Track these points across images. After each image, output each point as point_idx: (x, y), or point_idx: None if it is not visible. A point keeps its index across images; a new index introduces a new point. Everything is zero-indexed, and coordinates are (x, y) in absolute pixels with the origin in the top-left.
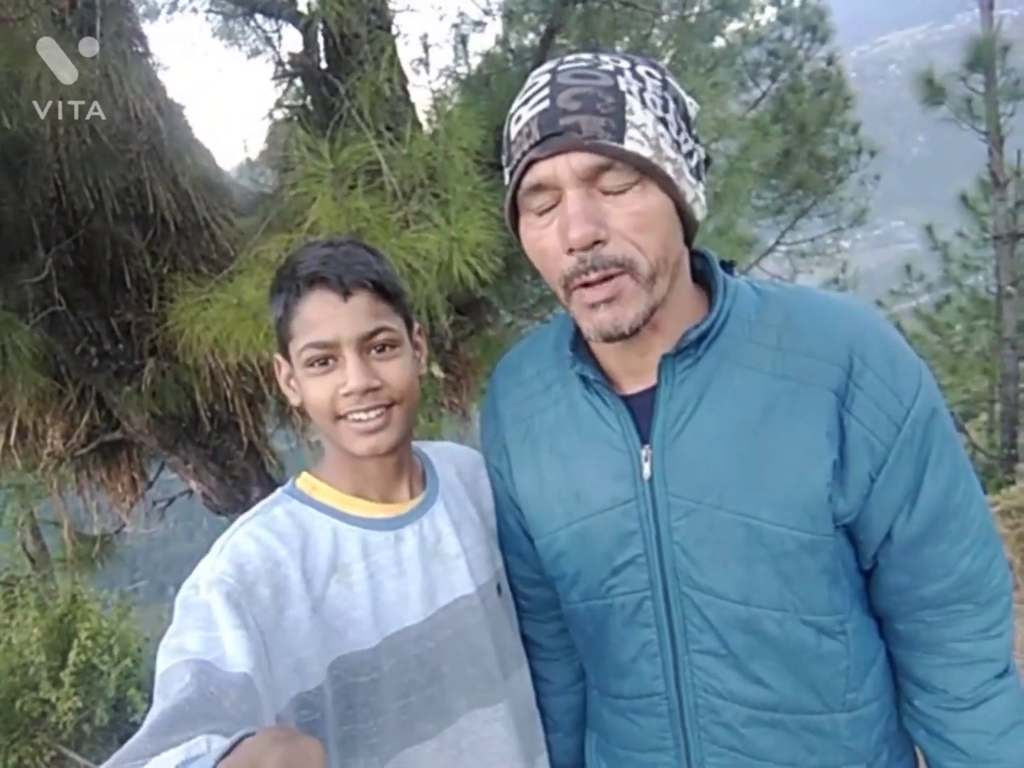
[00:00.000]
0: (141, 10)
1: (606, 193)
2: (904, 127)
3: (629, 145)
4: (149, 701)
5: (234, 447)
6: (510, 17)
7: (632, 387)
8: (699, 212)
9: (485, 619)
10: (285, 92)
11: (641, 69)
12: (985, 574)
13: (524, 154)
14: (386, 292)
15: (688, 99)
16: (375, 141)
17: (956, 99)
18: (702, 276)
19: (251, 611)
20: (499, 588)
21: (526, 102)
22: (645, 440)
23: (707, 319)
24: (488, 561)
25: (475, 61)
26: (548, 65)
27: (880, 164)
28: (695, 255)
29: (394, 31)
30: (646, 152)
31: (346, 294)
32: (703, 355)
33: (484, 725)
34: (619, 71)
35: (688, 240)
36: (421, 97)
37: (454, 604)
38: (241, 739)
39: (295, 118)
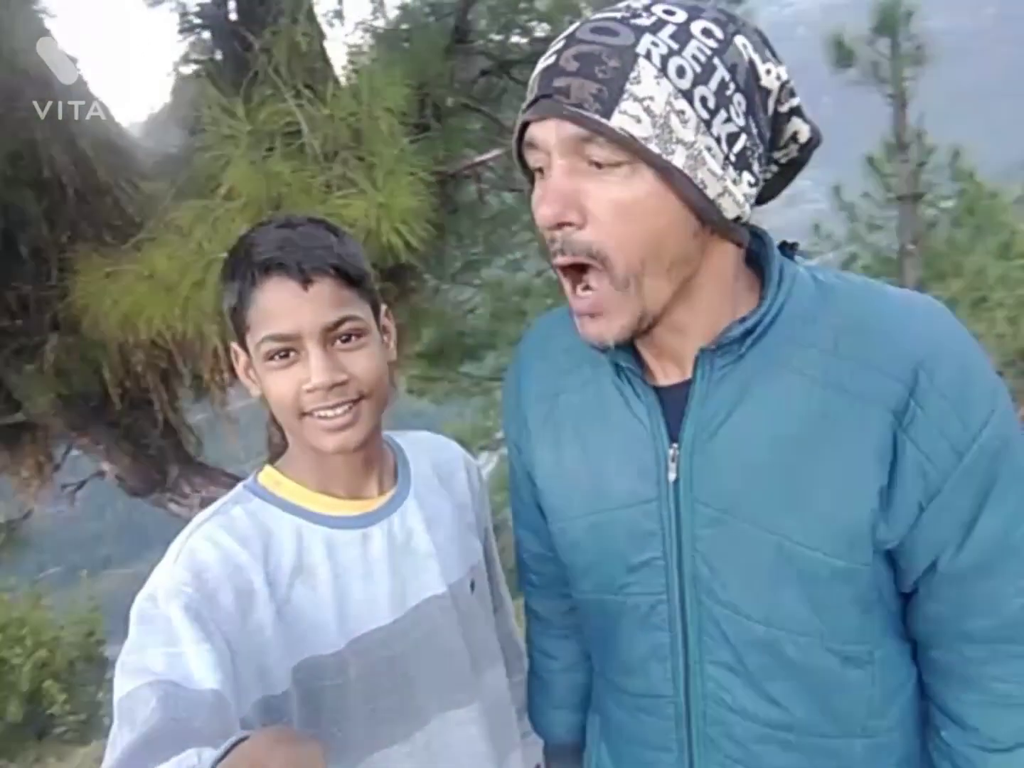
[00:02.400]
0: None
1: (592, 171)
2: (811, 89)
3: (616, 120)
4: (69, 692)
5: (148, 425)
6: None
7: (667, 378)
8: (731, 208)
9: (457, 619)
10: (193, 46)
11: (697, 26)
12: None
13: (522, 112)
14: (350, 277)
15: (769, 67)
16: (294, 101)
17: (864, 62)
18: (757, 260)
19: (213, 619)
20: (472, 584)
21: (548, 53)
22: (674, 438)
23: (755, 313)
24: (462, 558)
25: (393, 15)
26: (584, 19)
27: None
28: (751, 235)
29: None
30: (640, 131)
31: (307, 282)
32: (746, 353)
33: (457, 727)
34: (657, 26)
35: (724, 234)
36: (337, 53)
37: (424, 604)
38: (236, 743)
39: (204, 74)
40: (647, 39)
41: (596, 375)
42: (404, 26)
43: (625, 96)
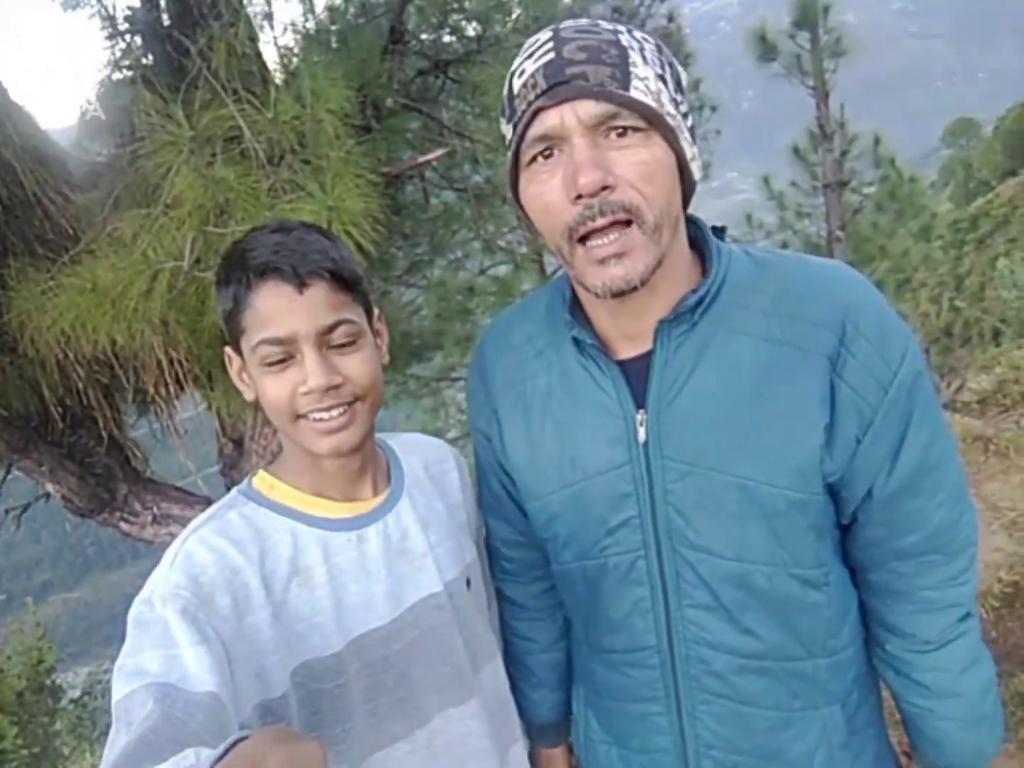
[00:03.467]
0: None
1: (612, 142)
2: (734, 82)
3: (635, 94)
4: (19, 725)
5: (92, 443)
6: None
7: (627, 352)
8: (696, 172)
9: (454, 616)
10: (124, 52)
11: (637, 35)
12: (955, 526)
13: (530, 104)
14: (345, 281)
15: (679, 67)
16: (235, 106)
17: (787, 55)
18: (695, 242)
19: (210, 622)
20: (468, 582)
21: (529, 56)
22: (640, 405)
23: (703, 284)
24: (456, 556)
25: (322, 16)
26: (550, 27)
27: (715, 119)
28: (688, 222)
29: None
30: (650, 102)
31: (302, 286)
32: (699, 321)
33: (458, 723)
34: (618, 31)
35: (685, 202)
36: (268, 55)
37: (421, 603)
38: (235, 742)
39: (138, 80)
40: (623, 36)
41: (560, 356)
42: (334, 27)
43: (632, 76)
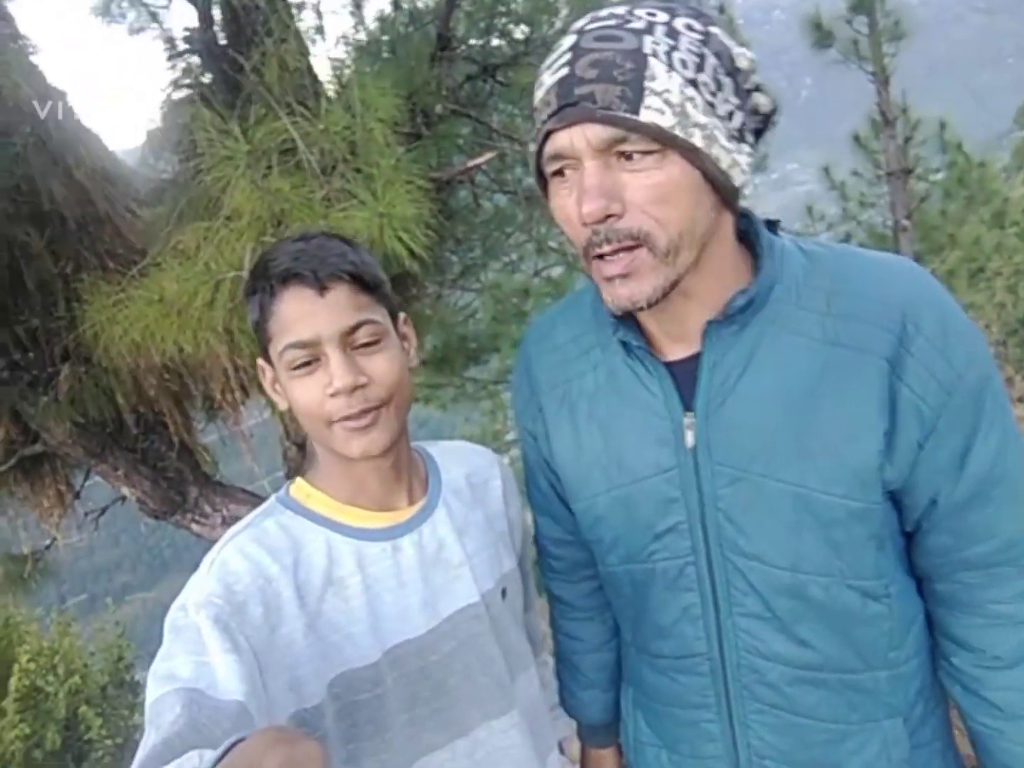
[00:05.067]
0: None
1: (624, 164)
2: (792, 70)
3: (646, 116)
4: (103, 717)
5: (164, 448)
6: None
7: (675, 353)
8: (739, 176)
9: (490, 626)
10: (184, 71)
11: (680, 22)
12: None
13: (543, 123)
14: (365, 283)
15: (740, 51)
16: (288, 118)
17: (843, 41)
18: (746, 236)
19: (242, 632)
20: (504, 592)
21: (550, 67)
22: (688, 408)
23: (754, 284)
24: (494, 566)
25: (372, 27)
26: (579, 23)
27: None
28: (738, 215)
29: (293, 0)
30: (666, 121)
31: (323, 289)
32: (750, 321)
33: (501, 735)
34: (650, 28)
35: (730, 205)
36: (321, 68)
37: (458, 614)
38: (235, 743)
39: (196, 98)
40: (648, 40)
41: (606, 357)
42: (385, 37)
43: (647, 93)
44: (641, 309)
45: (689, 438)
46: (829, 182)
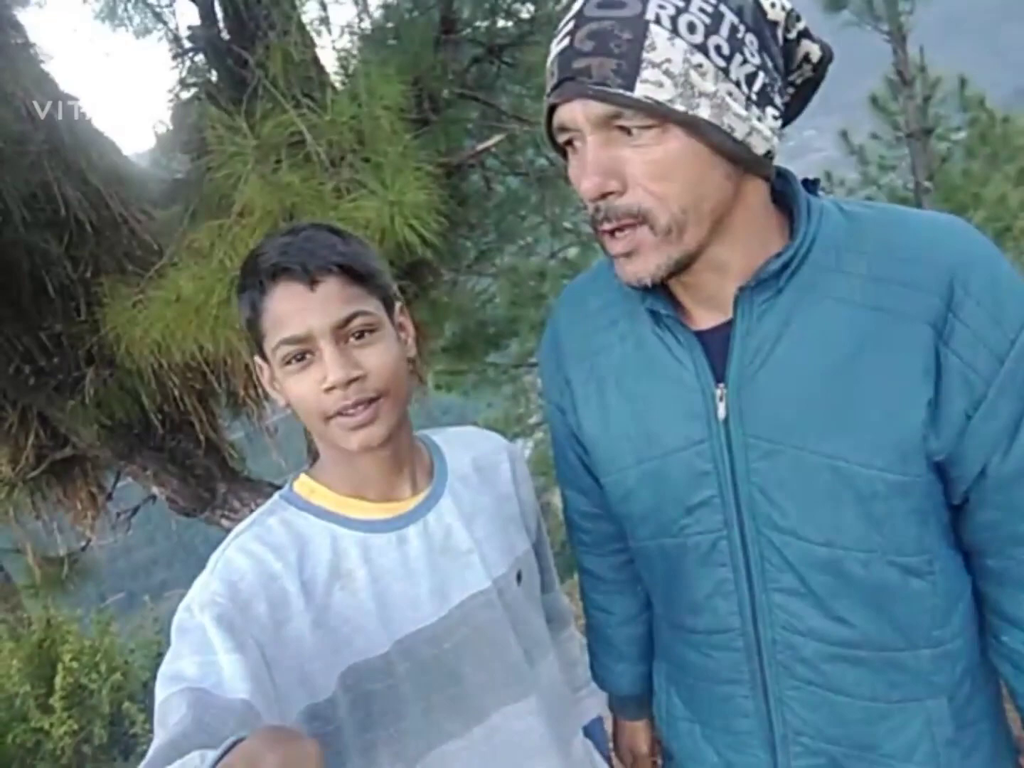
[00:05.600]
0: None
1: (626, 139)
2: None
3: (641, 90)
4: (146, 712)
5: (191, 446)
6: None
7: (706, 322)
8: (760, 144)
9: (504, 612)
10: (189, 70)
11: None
12: None
13: (548, 96)
14: (356, 274)
15: (772, 1)
16: (295, 111)
17: (856, 2)
18: (783, 198)
19: (248, 630)
20: (519, 576)
21: (557, 36)
22: (720, 379)
23: (789, 248)
24: (506, 550)
25: (377, 14)
26: None
27: None
28: (776, 175)
29: None
30: (664, 94)
31: (313, 282)
32: (785, 287)
33: (517, 720)
34: None
35: (756, 171)
36: (327, 59)
37: (469, 601)
38: (235, 742)
39: (203, 96)
40: (653, 3)
41: (634, 327)
42: (390, 24)
43: (644, 65)
44: (647, 287)
45: (721, 410)
46: (848, 147)
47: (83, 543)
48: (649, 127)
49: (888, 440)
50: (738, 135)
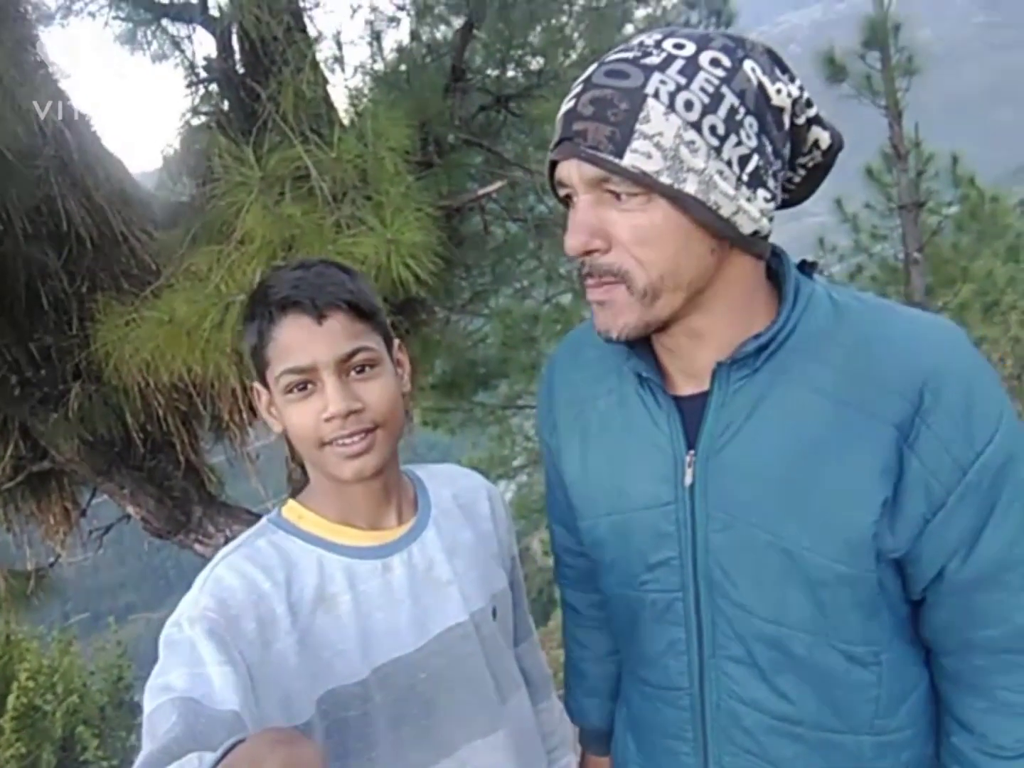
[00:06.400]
0: (32, 16)
1: (614, 202)
2: None
3: (629, 159)
4: (100, 737)
5: (171, 467)
6: (421, 11)
7: (687, 388)
8: (746, 224)
9: (480, 646)
10: (202, 98)
11: (706, 57)
12: None
13: (551, 151)
14: (362, 311)
15: (779, 86)
16: (302, 146)
17: (856, 76)
18: (777, 276)
19: (236, 645)
20: (494, 612)
21: (569, 95)
22: (692, 445)
23: (769, 330)
24: (483, 585)
25: (390, 57)
26: (600, 58)
27: None
28: (772, 254)
29: (311, 31)
30: (652, 166)
31: (321, 317)
32: (761, 367)
33: (485, 755)
34: (666, 63)
35: (743, 248)
36: (339, 97)
37: (447, 633)
38: (235, 744)
39: (213, 125)
40: (655, 78)
41: (620, 384)
42: (402, 67)
43: (636, 136)
44: (615, 341)
45: (688, 476)
46: (842, 215)
47: (52, 559)
48: (635, 194)
49: (838, 532)
50: (724, 213)
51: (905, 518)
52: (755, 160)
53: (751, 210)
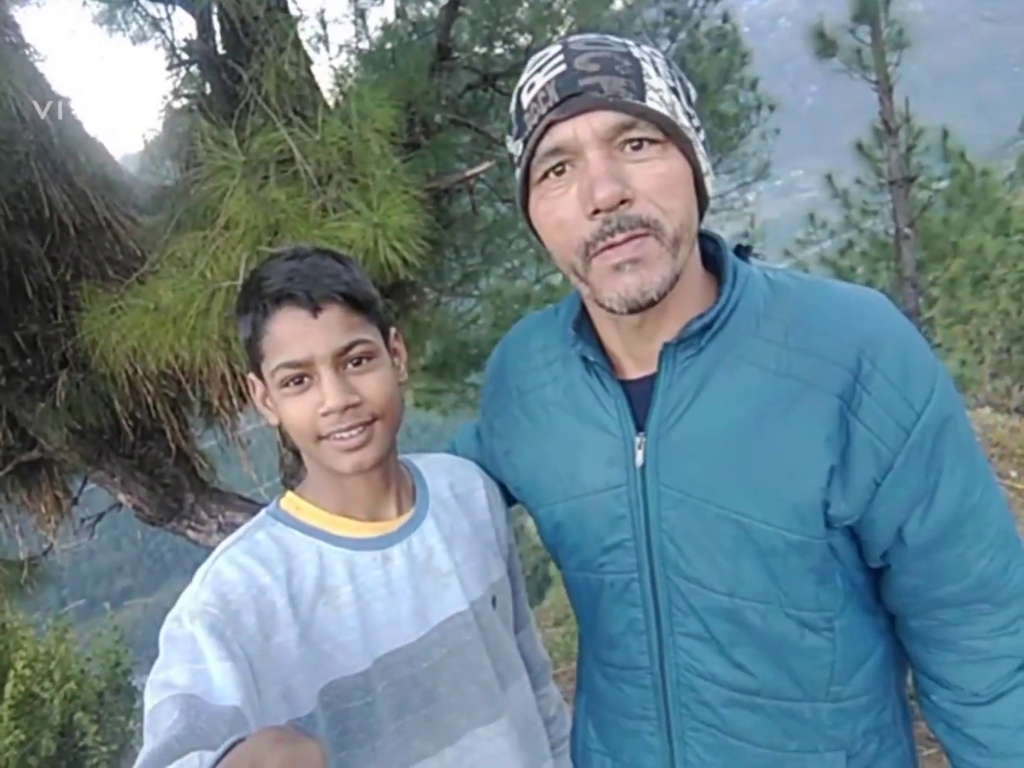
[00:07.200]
0: None
1: (628, 155)
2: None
3: (651, 104)
4: (99, 723)
5: (161, 454)
6: None
7: (633, 372)
8: (710, 188)
9: (480, 635)
10: (183, 80)
11: (646, 48)
12: (1003, 574)
13: (541, 118)
14: (358, 303)
15: (689, 84)
16: (285, 129)
17: (846, 50)
18: (712, 261)
19: (237, 640)
20: (494, 600)
21: (539, 70)
22: (640, 428)
23: (712, 309)
24: (482, 574)
25: (376, 35)
26: (559, 40)
27: (777, 117)
28: (706, 238)
29: (293, 11)
30: (667, 113)
31: (316, 310)
32: (706, 346)
33: (487, 742)
34: (628, 44)
35: (700, 216)
36: (323, 76)
37: (447, 622)
38: (236, 743)
39: (195, 107)
40: (634, 49)
41: (567, 370)
42: (388, 46)
43: (647, 87)
44: (651, 303)
45: (639, 458)
46: (832, 190)
47: (45, 547)
48: (655, 141)
49: (787, 501)
50: (702, 169)
51: (856, 484)
52: (703, 134)
53: (711, 175)
